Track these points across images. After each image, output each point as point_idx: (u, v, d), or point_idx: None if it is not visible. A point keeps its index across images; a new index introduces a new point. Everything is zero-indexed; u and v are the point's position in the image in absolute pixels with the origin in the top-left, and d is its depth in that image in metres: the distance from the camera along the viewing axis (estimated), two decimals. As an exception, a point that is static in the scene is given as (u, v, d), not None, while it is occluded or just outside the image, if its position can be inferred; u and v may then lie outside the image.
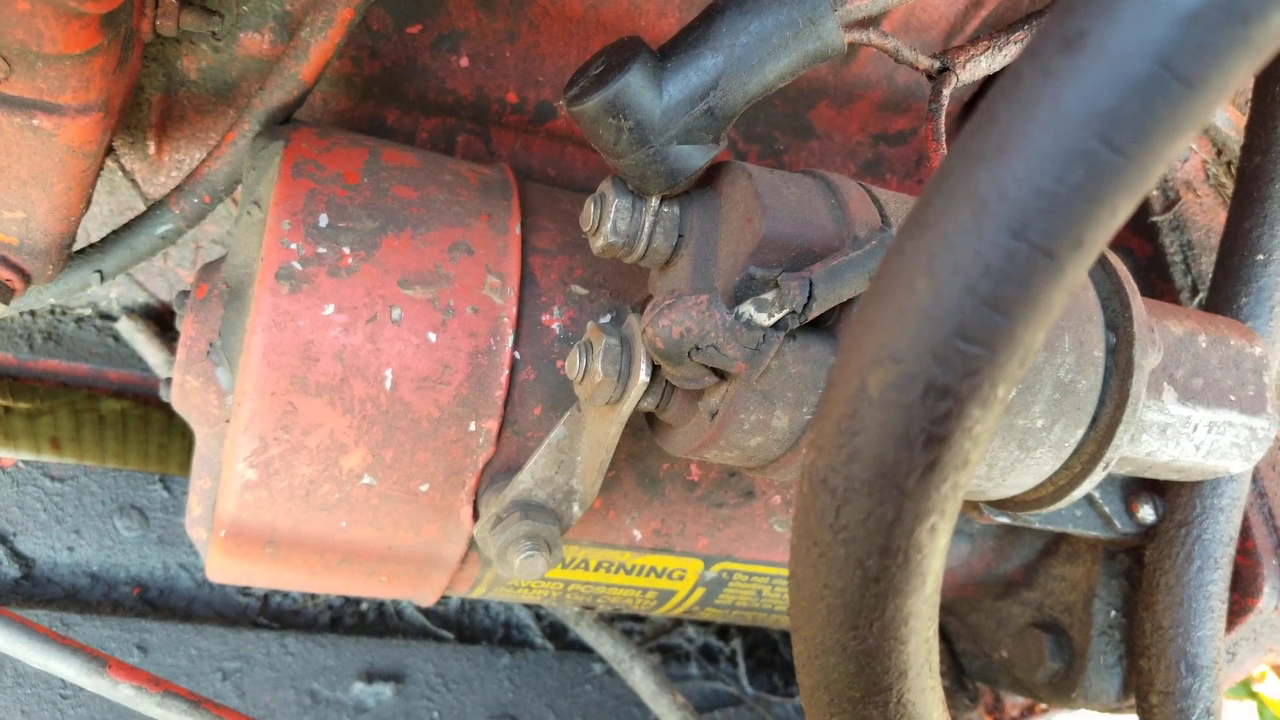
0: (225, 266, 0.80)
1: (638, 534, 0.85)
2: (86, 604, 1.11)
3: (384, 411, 0.73)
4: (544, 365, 0.77)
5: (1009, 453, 0.65)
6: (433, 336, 0.73)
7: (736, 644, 1.33)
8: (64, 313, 1.16)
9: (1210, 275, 0.93)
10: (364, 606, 1.21)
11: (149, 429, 1.17)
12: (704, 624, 1.33)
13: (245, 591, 1.17)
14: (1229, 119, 0.97)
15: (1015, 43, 0.74)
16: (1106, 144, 0.33)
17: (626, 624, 1.30)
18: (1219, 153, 1.01)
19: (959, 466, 0.37)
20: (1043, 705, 1.13)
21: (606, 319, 0.79)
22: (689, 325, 0.59)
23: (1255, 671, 1.03)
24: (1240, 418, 0.72)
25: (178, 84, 0.91)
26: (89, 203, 0.80)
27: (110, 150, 0.94)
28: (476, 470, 0.76)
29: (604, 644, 1.18)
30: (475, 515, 0.78)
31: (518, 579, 0.74)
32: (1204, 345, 0.72)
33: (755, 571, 0.91)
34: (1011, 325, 0.35)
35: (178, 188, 0.84)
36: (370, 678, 1.16)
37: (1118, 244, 1.07)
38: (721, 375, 0.62)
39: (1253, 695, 1.87)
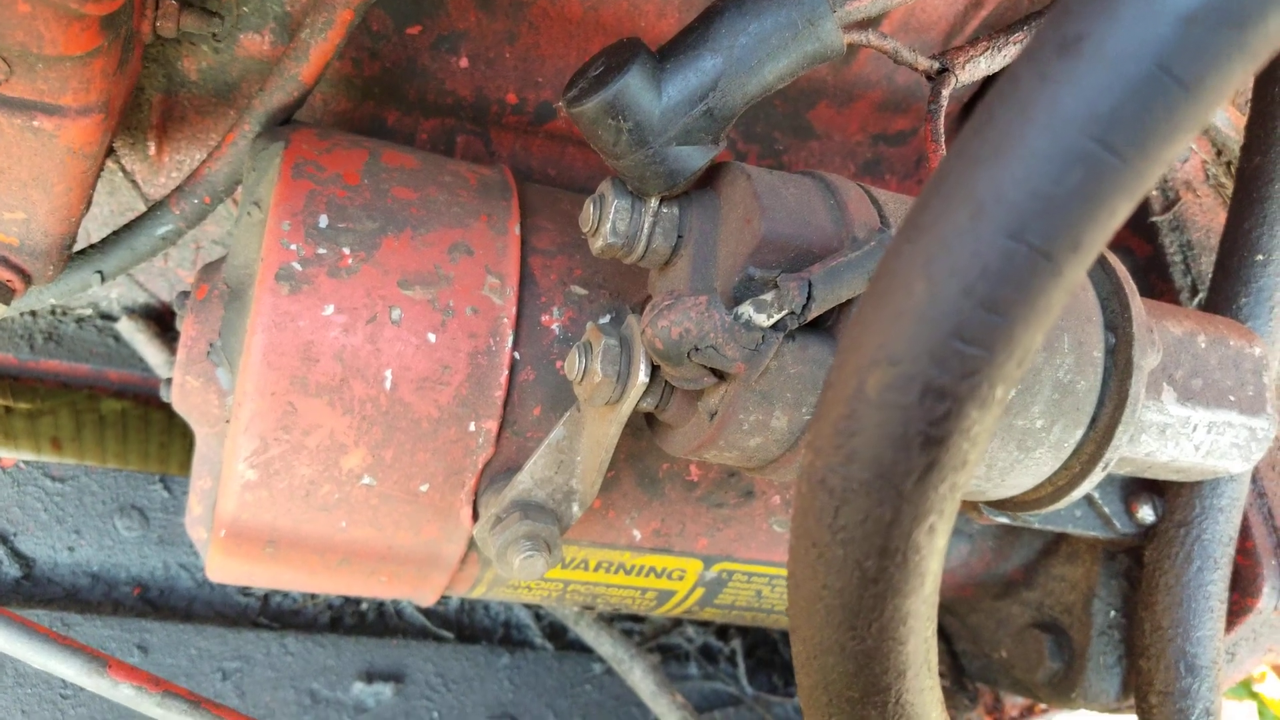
0: (225, 267, 0.80)
1: (637, 534, 0.85)
2: (87, 604, 1.11)
3: (384, 412, 0.73)
4: (543, 366, 0.77)
5: (1008, 453, 0.65)
6: (432, 337, 0.73)
7: (736, 644, 1.33)
8: (65, 313, 1.16)
9: (1210, 275, 0.93)
10: (364, 606, 1.21)
11: (149, 429, 1.17)
12: (703, 624, 1.33)
13: (245, 591, 1.17)
14: (1229, 119, 0.97)
15: (1014, 44, 0.74)
16: (1104, 146, 0.33)
17: (626, 624, 1.30)
18: (1219, 153, 1.01)
19: (957, 467, 0.37)
20: (1042, 705, 1.13)
21: (606, 319, 0.79)
22: (688, 326, 0.59)
23: (1255, 671, 1.03)
24: (1240, 418, 0.72)
25: (178, 85, 0.91)
26: (89, 203, 0.80)
27: (111, 151, 0.94)
28: (476, 470, 0.76)
29: (603, 644, 1.18)
30: (475, 515, 0.78)
31: (517, 579, 0.74)
32: (1203, 345, 0.72)
33: (755, 571, 0.91)
34: (1009, 326, 0.35)
35: (178, 188, 0.84)
36: (370, 678, 1.16)
37: (1117, 244, 1.07)
38: (721, 376, 0.62)
39: (1253, 695, 1.87)
